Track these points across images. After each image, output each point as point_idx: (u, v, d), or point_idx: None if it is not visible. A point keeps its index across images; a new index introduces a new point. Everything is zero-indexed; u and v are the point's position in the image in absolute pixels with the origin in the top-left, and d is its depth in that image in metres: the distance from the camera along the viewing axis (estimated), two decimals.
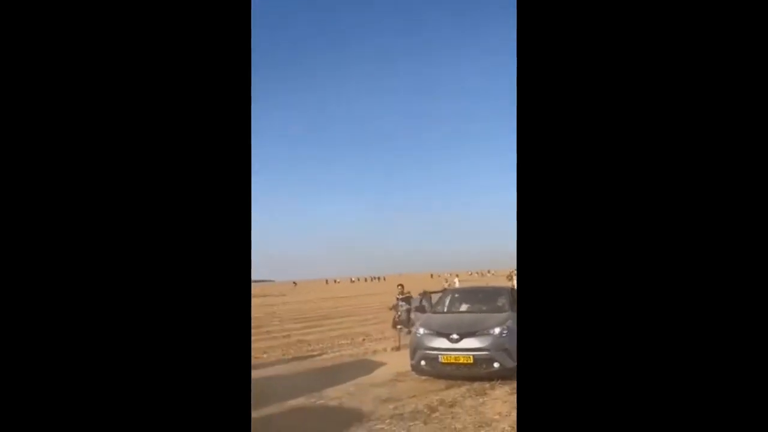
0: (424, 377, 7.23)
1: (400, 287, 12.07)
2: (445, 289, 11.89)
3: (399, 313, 11.26)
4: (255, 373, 8.13)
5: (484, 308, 8.13)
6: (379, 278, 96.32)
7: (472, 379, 6.84)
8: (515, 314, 6.03)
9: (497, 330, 6.98)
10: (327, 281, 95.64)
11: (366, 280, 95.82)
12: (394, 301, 11.37)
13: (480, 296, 8.92)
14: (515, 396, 1.34)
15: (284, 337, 13.30)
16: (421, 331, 7.37)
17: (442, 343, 6.94)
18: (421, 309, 9.40)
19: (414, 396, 6.33)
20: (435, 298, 10.32)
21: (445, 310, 8.53)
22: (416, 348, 7.26)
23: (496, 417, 5.32)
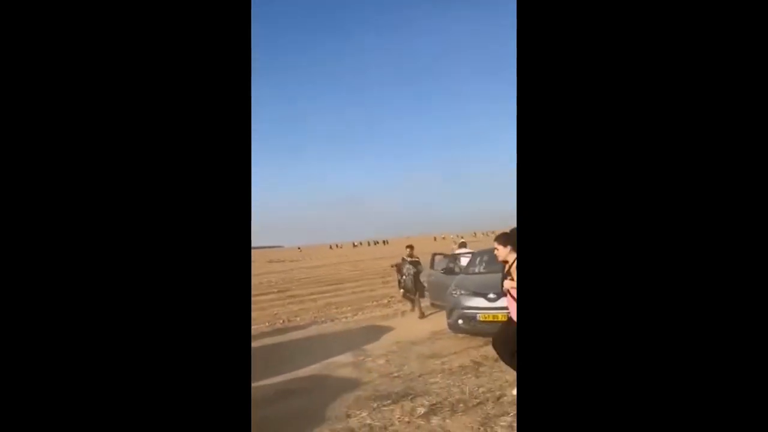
0: (460, 335, 7.38)
1: (409, 249, 10.73)
2: (456, 253, 11.27)
3: (403, 277, 10.07)
4: (294, 335, 8.79)
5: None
6: (383, 242, 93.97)
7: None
8: None
9: None
10: (331, 246, 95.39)
11: (369, 244, 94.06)
12: (399, 261, 10.62)
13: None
14: None
15: (311, 300, 13.64)
16: (458, 292, 7.46)
17: (479, 302, 6.99)
18: (449, 271, 9.33)
19: (455, 353, 6.51)
20: (438, 260, 10.68)
21: (476, 271, 8.54)
22: (453, 307, 7.36)
23: None
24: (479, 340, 6.89)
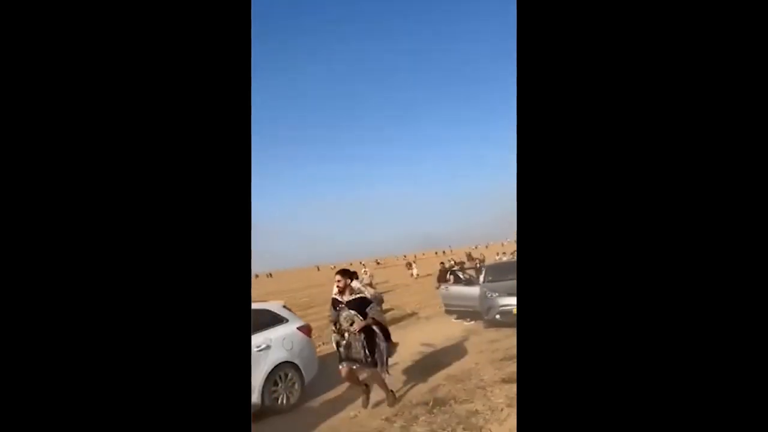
0: (493, 328, 9.50)
1: (343, 279, 7.53)
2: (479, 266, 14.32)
3: (344, 335, 5.42)
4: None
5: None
6: (267, 275, 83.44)
7: None
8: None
9: None
10: (319, 268, 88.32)
11: (256, 275, 79.10)
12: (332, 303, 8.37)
13: (509, 267, 11.22)
14: None
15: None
16: (492, 294, 9.78)
17: (513, 300, 8.86)
18: (468, 282, 11.74)
19: (493, 341, 8.45)
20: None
21: (497, 279, 10.60)
22: (491, 306, 9.69)
23: None
24: (509, 331, 8.74)
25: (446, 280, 12.87)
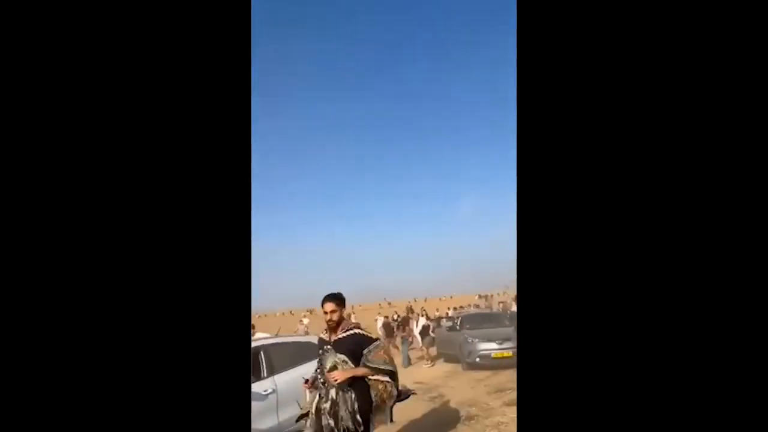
0: (473, 370, 10.59)
1: (332, 313, 8.91)
2: (454, 316, 16.20)
3: (328, 399, 4.01)
4: None
5: (496, 324, 12.31)
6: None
7: (512, 366, 9.19)
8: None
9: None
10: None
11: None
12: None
13: (485, 317, 13.85)
14: None
15: None
16: (472, 339, 11.11)
17: (491, 345, 10.61)
18: (452, 329, 12.92)
19: (480, 380, 9.28)
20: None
21: (474, 326, 12.25)
22: (471, 351, 10.94)
23: None
24: (487, 372, 9.95)
25: (393, 336, 14.87)
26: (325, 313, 3.70)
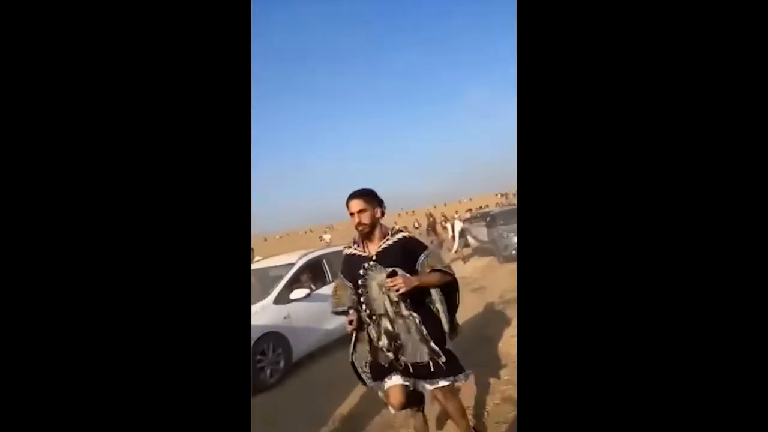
0: (509, 262, 11.22)
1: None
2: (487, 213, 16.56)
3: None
4: None
5: None
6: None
7: None
8: None
9: None
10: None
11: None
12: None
13: (514, 213, 13.29)
14: None
15: None
16: (507, 234, 11.83)
17: None
18: (488, 225, 13.72)
19: (515, 270, 9.32)
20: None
21: (506, 222, 12.68)
22: (507, 244, 11.60)
23: None
24: None
25: (436, 233, 15.44)
26: (352, 215, 2.67)
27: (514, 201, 27.15)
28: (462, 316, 3.56)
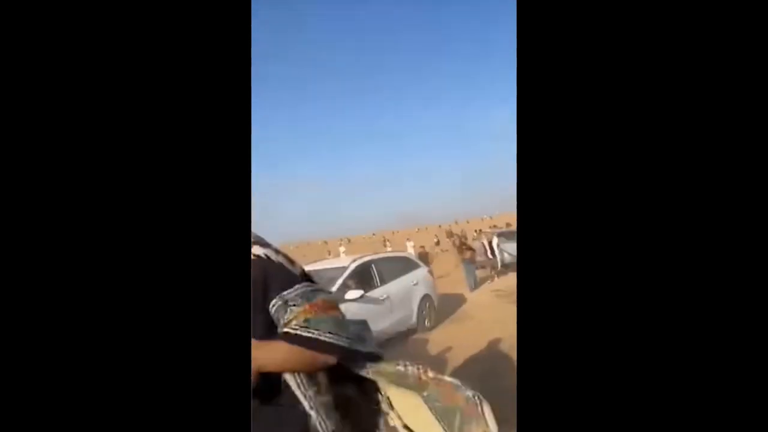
0: None
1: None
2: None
3: None
4: None
5: None
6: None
7: None
8: None
9: None
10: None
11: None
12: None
13: None
14: None
15: None
16: None
17: None
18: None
19: None
20: None
21: None
22: None
23: None
24: None
25: (471, 249, 16.02)
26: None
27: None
28: (508, 328, 5.71)
